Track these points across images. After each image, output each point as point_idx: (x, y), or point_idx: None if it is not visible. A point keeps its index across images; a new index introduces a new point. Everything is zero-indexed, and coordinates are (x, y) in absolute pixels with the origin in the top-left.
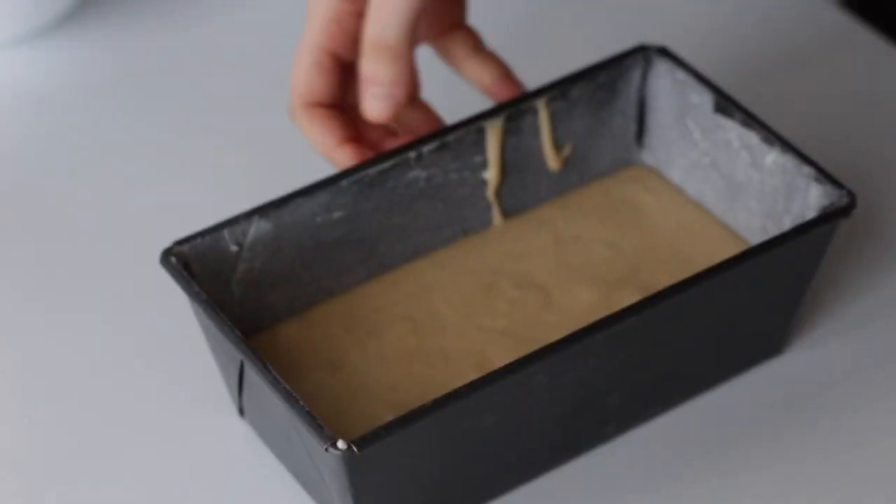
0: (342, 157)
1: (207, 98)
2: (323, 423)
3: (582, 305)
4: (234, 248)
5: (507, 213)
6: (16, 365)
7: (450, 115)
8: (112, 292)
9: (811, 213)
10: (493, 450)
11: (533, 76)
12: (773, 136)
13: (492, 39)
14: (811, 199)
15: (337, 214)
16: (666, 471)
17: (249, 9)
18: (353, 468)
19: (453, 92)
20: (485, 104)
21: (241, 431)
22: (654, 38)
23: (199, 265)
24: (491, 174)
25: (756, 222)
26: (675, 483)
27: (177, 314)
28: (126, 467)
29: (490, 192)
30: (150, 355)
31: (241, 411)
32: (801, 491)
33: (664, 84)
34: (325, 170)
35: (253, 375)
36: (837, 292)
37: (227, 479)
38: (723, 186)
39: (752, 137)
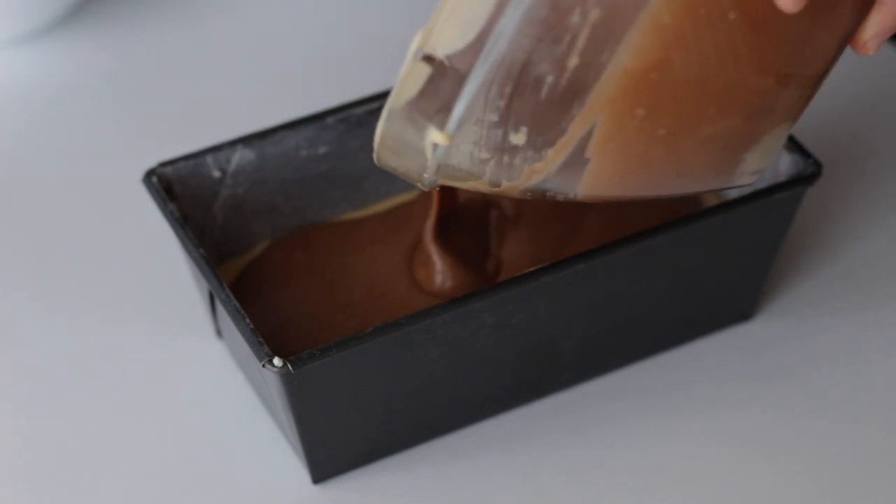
0: None
1: (207, 98)
2: (263, 340)
3: None
4: (217, 173)
5: None
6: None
7: None
8: (112, 286)
9: (782, 181)
10: (442, 384)
11: None
12: None
13: None
14: (782, 167)
15: (322, 150)
16: (621, 425)
17: (249, 8)
18: (291, 387)
19: None
20: None
21: (218, 353)
22: None
23: (181, 187)
24: None
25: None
26: (629, 438)
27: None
28: (106, 386)
29: None
30: (141, 283)
31: (219, 332)
32: (760, 465)
33: None
34: None
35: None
36: (812, 262)
37: (199, 398)
38: None
39: None
